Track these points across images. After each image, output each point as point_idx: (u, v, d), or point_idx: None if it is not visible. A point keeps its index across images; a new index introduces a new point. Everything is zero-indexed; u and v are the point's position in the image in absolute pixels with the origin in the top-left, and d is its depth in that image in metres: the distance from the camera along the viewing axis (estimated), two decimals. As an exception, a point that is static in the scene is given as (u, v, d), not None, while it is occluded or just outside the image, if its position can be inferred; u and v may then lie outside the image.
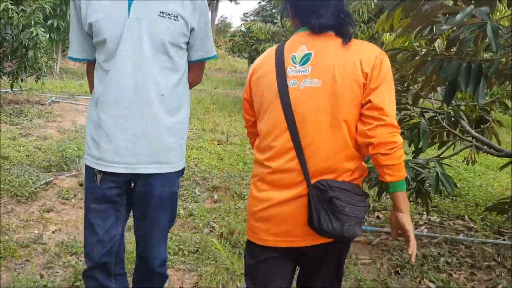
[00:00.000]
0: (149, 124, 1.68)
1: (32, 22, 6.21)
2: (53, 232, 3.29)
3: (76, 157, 4.78)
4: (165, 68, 1.69)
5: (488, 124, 3.63)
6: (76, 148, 5.23)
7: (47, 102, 8.54)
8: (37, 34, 6.22)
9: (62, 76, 12.83)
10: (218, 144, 6.23)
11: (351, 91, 1.37)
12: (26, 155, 4.92)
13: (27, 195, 3.76)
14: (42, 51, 6.93)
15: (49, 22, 6.58)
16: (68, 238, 3.20)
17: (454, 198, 4.73)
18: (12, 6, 5.99)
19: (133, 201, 1.83)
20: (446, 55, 2.25)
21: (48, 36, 6.44)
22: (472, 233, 3.87)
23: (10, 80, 7.76)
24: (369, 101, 1.36)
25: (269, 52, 1.54)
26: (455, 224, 4.12)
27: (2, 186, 3.93)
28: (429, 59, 2.29)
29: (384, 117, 1.33)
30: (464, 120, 3.38)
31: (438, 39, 3.14)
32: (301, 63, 1.42)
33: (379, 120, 1.33)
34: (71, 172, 4.47)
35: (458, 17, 1.96)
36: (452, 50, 2.31)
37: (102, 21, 1.64)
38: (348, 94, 1.37)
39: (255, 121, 1.62)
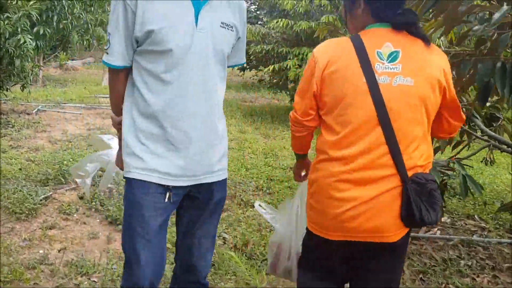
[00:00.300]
0: (212, 134, 1.69)
1: (19, 29, 5.97)
2: (59, 251, 3.12)
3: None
4: (222, 78, 1.72)
5: (499, 122, 3.59)
6: (71, 160, 5.03)
7: (34, 111, 8.26)
8: (24, 42, 5.98)
9: (45, 84, 12.51)
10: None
11: (435, 93, 1.49)
12: (20, 169, 4.71)
13: (26, 212, 3.57)
14: (28, 59, 6.69)
15: (36, 29, 6.31)
16: (76, 257, 3.03)
17: (460, 197, 4.69)
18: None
19: (185, 211, 1.78)
20: (478, 56, 2.17)
21: (34, 43, 6.17)
22: (486, 233, 3.83)
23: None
24: (450, 104, 1.55)
25: (343, 45, 1.52)
26: (466, 224, 4.08)
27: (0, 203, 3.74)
28: (460, 59, 2.22)
29: (462, 118, 1.62)
30: (478, 118, 3.33)
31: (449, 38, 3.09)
32: (389, 60, 1.46)
33: (460, 121, 1.63)
34: (70, 185, 4.28)
35: (496, 16, 1.90)
36: (481, 49, 2.25)
37: (168, 29, 1.53)
38: (433, 95, 1.48)
39: (315, 115, 1.61)
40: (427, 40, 1.51)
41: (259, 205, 2.29)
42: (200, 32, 1.57)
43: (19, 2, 6.08)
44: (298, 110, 1.62)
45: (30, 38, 6.10)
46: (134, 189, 1.64)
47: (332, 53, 1.53)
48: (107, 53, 1.59)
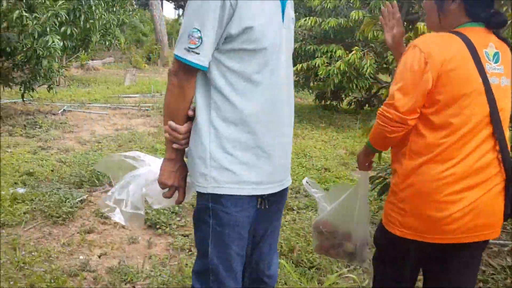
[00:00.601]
0: (290, 136, 1.64)
1: (48, 29, 5.92)
2: (99, 257, 3.02)
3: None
4: None
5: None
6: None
7: (60, 112, 8.24)
8: (52, 42, 5.93)
9: (69, 84, 12.54)
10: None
11: None
12: (51, 170, 4.64)
13: (63, 215, 3.48)
14: (56, 59, 6.65)
15: (63, 29, 6.26)
16: (118, 263, 2.92)
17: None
18: (26, 14, 5.71)
19: (257, 220, 1.64)
20: None
21: (61, 43, 6.12)
22: (542, 238, 3.61)
23: (21, 90, 7.49)
24: None
25: (452, 42, 1.47)
26: (516, 227, 3.86)
27: (34, 206, 3.66)
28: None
29: None
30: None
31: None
32: (494, 61, 1.47)
33: None
34: (104, 187, 4.19)
35: None
36: None
37: (265, 26, 1.41)
38: None
39: (419, 114, 1.53)
40: (509, 43, 1.56)
41: (307, 182, 2.21)
42: (285, 29, 1.51)
43: (47, 2, 6.03)
44: (402, 107, 1.47)
45: (58, 39, 6.05)
46: (227, 207, 1.49)
47: (446, 50, 1.45)
48: (197, 53, 1.37)
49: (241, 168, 1.48)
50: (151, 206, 1.85)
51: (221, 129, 1.47)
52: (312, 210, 3.93)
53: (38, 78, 7.02)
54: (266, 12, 1.42)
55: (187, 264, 2.89)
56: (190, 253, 3.10)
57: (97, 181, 4.25)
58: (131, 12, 13.09)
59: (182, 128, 1.53)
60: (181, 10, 36.56)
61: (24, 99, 7.80)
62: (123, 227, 3.46)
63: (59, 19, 6.06)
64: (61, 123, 7.17)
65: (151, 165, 1.77)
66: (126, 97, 10.88)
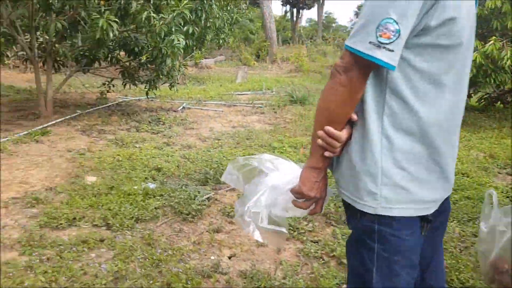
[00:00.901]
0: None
1: (173, 29, 6.13)
2: (229, 258, 2.93)
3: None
4: None
5: None
6: (224, 158, 4.97)
7: (179, 109, 8.59)
8: (178, 41, 6.12)
9: (185, 82, 13.12)
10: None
11: None
12: (177, 166, 4.74)
13: (193, 213, 3.48)
14: (178, 58, 6.88)
15: (185, 28, 6.44)
16: (249, 267, 2.81)
17: None
18: (153, 14, 5.95)
19: (428, 236, 1.42)
20: None
21: (184, 43, 6.29)
22: None
23: (145, 88, 7.92)
24: None
25: None
26: None
27: (164, 202, 3.72)
28: None
29: None
30: None
31: None
32: None
33: None
34: (228, 185, 4.15)
35: None
36: None
37: (463, 20, 1.18)
38: None
39: None
40: None
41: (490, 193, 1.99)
42: (471, 23, 1.28)
43: (172, 2, 6.24)
44: None
45: (182, 38, 6.23)
46: (398, 230, 1.27)
47: None
48: (391, 50, 1.12)
49: (414, 185, 1.26)
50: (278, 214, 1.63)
51: (396, 140, 1.23)
52: (454, 221, 3.48)
53: (162, 76, 7.34)
54: (464, 3, 1.19)
55: (322, 275, 2.67)
56: (322, 261, 2.88)
57: (220, 179, 4.23)
58: (244, 11, 13.29)
59: (343, 135, 1.29)
60: (288, 7, 36.61)
61: (148, 96, 8.26)
62: (250, 228, 3.36)
63: (183, 19, 6.23)
64: (181, 120, 7.43)
65: (280, 169, 1.55)
66: (239, 94, 11.06)
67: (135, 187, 3.95)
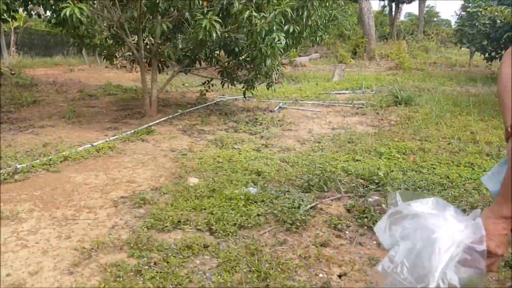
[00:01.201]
0: None
1: (274, 28, 6.00)
2: (339, 277, 2.69)
3: (336, 175, 4.22)
4: None
5: None
6: (327, 164, 4.71)
7: (276, 109, 8.48)
8: (278, 40, 5.98)
9: (280, 81, 13.02)
10: (489, 158, 4.96)
11: None
12: (277, 170, 4.59)
13: (297, 223, 3.28)
14: (278, 57, 6.75)
15: (286, 27, 6.26)
16: (362, 289, 2.54)
17: None
18: (255, 13, 5.86)
19: None
20: None
21: (284, 41, 6.12)
22: None
23: (243, 87, 7.91)
24: None
25: None
26: None
27: (266, 209, 3.57)
28: None
29: None
30: None
31: None
32: None
33: None
34: (332, 193, 3.90)
35: None
36: None
37: None
38: None
39: None
40: None
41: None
42: None
43: (274, 1, 6.10)
44: None
45: (283, 36, 6.07)
46: None
47: None
48: None
49: None
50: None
51: None
52: None
53: (260, 76, 7.27)
54: None
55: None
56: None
57: (325, 187, 3.99)
58: (343, 7, 12.83)
59: None
60: (386, 1, 35.06)
61: (245, 96, 8.25)
62: (360, 243, 3.09)
63: (284, 17, 6.07)
64: (279, 121, 7.30)
65: (448, 220, 1.22)
66: (336, 93, 10.69)
67: (236, 191, 3.86)
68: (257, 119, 7.41)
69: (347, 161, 4.88)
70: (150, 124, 6.82)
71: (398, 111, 7.89)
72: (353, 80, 12.78)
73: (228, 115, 7.79)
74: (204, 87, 8.12)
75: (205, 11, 6.16)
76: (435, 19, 45.96)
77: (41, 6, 6.68)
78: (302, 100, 9.55)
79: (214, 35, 5.42)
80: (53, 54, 21.75)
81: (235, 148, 5.55)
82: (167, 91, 10.32)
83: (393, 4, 34.22)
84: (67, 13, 5.10)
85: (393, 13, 34.63)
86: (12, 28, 20.62)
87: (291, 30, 6.47)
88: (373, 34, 21.40)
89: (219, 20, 5.47)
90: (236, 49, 6.79)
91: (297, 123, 7.21)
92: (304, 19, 6.63)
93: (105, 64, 15.97)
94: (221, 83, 8.20)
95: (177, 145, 5.65)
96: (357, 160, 4.92)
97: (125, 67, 15.11)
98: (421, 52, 23.31)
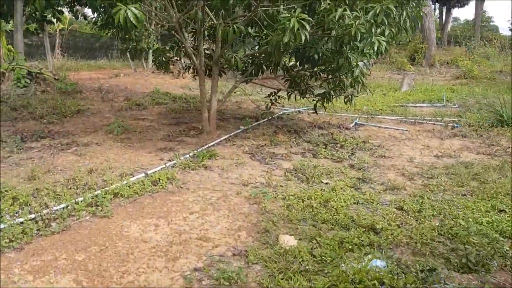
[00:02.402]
0: None
1: (373, 30, 4.76)
2: None
3: (496, 243, 2.92)
4: None
5: None
6: (459, 213, 3.43)
7: (351, 126, 7.23)
8: (379, 44, 4.75)
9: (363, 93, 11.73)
10: None
11: None
12: (398, 226, 3.34)
13: None
14: (368, 67, 5.52)
15: (379, 30, 5.00)
16: None
17: None
18: (348, 12, 4.65)
19: None
20: None
21: (384, 48, 4.87)
22: None
23: (313, 100, 6.71)
24: None
25: None
26: None
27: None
28: None
29: None
30: None
31: None
32: None
33: None
34: (501, 275, 2.62)
35: None
36: None
37: None
38: None
39: None
40: None
41: None
42: None
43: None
44: None
45: (383, 40, 4.83)
46: None
47: None
48: None
49: None
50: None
51: None
52: None
53: (342, 87, 6.05)
54: None
55: None
56: None
57: (491, 266, 2.71)
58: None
59: None
60: (437, 5, 32.98)
61: (316, 111, 7.03)
62: None
63: (387, 17, 4.83)
64: (363, 142, 6.04)
65: None
66: (412, 106, 9.33)
67: (358, 266, 2.65)
68: (335, 139, 6.19)
69: (488, 211, 3.58)
70: (211, 144, 5.72)
71: (507, 134, 6.47)
72: (425, 91, 11.36)
73: (298, 133, 6.61)
74: (270, 99, 6.96)
75: (281, 9, 5.03)
76: (487, 24, 42.88)
77: (87, 7, 5.64)
78: (377, 115, 8.25)
79: (303, 37, 4.25)
80: (97, 57, 21.30)
81: (323, 183, 4.35)
82: (219, 99, 9.25)
83: (444, 8, 32.18)
84: (120, 17, 4.08)
85: (444, 17, 32.57)
86: (58, 30, 20.32)
87: (386, 32, 5.20)
88: (433, 40, 19.73)
89: (310, 19, 4.29)
90: (316, 56, 5.59)
91: (387, 146, 5.93)
92: (402, 20, 5.35)
93: (151, 68, 15.17)
94: (287, 94, 7.01)
95: (249, 177, 4.51)
96: (502, 210, 3.61)
97: (172, 72, 14.22)
98: (483, 59, 21.37)
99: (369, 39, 4.81)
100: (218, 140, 5.95)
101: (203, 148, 5.51)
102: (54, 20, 12.27)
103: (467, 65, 16.21)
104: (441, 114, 8.15)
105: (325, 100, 6.38)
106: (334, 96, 6.40)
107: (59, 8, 11.11)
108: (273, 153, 5.46)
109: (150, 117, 7.68)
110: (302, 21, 4.18)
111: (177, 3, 5.80)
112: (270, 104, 6.99)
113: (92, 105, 8.84)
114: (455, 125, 7.12)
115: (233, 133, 6.37)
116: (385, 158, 5.32)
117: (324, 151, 5.50)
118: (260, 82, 7.97)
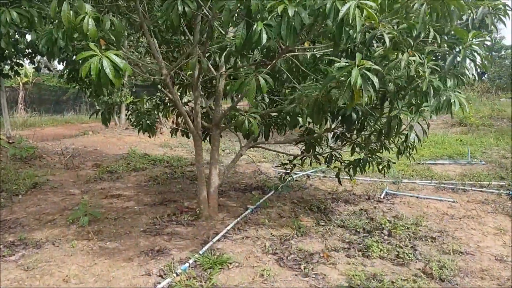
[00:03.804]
0: None
1: (449, 83, 3.41)
2: None
3: None
4: None
5: None
6: None
7: (382, 196, 5.80)
8: (459, 103, 3.39)
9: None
10: None
11: None
12: None
13: None
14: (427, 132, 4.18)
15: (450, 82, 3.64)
16: None
17: None
18: (416, 57, 3.30)
19: None
20: None
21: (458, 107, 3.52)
22: None
23: (347, 169, 5.26)
24: None
25: None
26: None
27: None
28: None
29: None
30: None
31: None
32: None
33: None
34: None
35: None
36: None
37: None
38: None
39: None
40: None
41: None
42: None
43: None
44: None
45: (463, 97, 3.48)
46: None
47: None
48: None
49: None
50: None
51: None
52: None
53: (379, 153, 4.65)
54: None
55: None
56: None
57: None
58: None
59: None
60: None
61: (340, 181, 5.57)
62: None
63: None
64: (414, 225, 4.56)
65: None
66: (432, 163, 8.03)
67: None
68: (374, 220, 4.72)
69: None
70: (215, 239, 4.13)
71: None
72: (436, 144, 10.17)
73: (324, 211, 5.11)
74: (285, 168, 5.46)
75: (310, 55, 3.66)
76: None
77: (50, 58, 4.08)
78: (403, 177, 6.87)
79: (365, 98, 2.82)
80: (64, 110, 19.60)
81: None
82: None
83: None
84: (91, 69, 2.58)
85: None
86: (21, 83, 18.63)
87: (449, 83, 3.84)
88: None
89: (378, 68, 2.89)
90: (354, 116, 4.20)
91: (450, 231, 4.47)
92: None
93: (124, 124, 13.57)
94: (300, 159, 5.53)
95: (289, 307, 2.93)
96: None
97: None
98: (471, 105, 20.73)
99: (441, 96, 3.44)
100: (225, 230, 4.36)
101: (206, 247, 3.92)
102: (12, 74, 10.64)
103: (460, 112, 15.31)
104: (474, 175, 6.87)
105: (357, 168, 4.93)
106: (369, 165, 4.96)
107: (16, 61, 9.53)
108: (306, 251, 3.91)
109: (127, 192, 6.03)
110: (367, 73, 2.77)
111: (168, 50, 4.38)
112: (284, 174, 5.48)
113: (53, 175, 7.15)
114: (510, 192, 5.78)
115: (241, 216, 4.80)
116: (462, 255, 3.84)
117: (376, 245, 3.98)
118: (270, 148, 6.52)
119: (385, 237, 4.29)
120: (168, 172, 7.46)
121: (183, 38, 4.82)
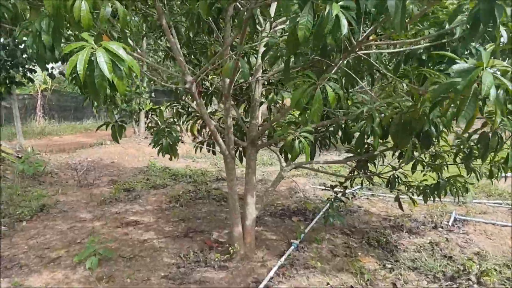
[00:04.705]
0: None
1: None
2: None
3: None
4: None
5: None
6: None
7: (450, 223, 4.79)
8: None
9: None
10: None
11: None
12: None
13: None
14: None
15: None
16: None
17: None
18: None
19: None
20: None
21: None
22: None
23: (400, 191, 4.28)
24: None
25: None
26: None
27: None
28: None
29: None
30: None
31: None
32: None
33: None
34: None
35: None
36: None
37: None
38: None
39: None
40: None
41: None
42: None
43: None
44: None
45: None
46: None
47: None
48: None
49: None
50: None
51: None
52: None
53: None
54: None
55: None
56: None
57: None
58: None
59: None
60: None
61: (388, 200, 4.59)
62: None
63: None
64: (507, 268, 3.56)
65: None
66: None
67: None
68: (456, 262, 3.73)
69: None
70: (257, 291, 3.21)
71: None
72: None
73: (384, 245, 4.14)
74: (335, 191, 4.48)
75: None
76: None
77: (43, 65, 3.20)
78: (480, 202, 5.83)
79: (499, 115, 1.85)
80: (83, 117, 19.02)
81: None
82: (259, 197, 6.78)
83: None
84: (79, 61, 1.69)
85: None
86: (39, 90, 18.10)
87: None
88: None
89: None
90: (434, 131, 3.23)
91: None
92: None
93: (143, 133, 12.78)
94: (349, 180, 4.56)
95: None
96: None
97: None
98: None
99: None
100: (268, 277, 3.43)
101: (246, 305, 3.00)
102: (25, 82, 9.94)
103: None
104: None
105: (429, 197, 3.94)
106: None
107: (29, 67, 8.80)
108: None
109: (145, 218, 5.16)
110: (502, 79, 1.80)
111: (190, 52, 3.49)
112: (334, 199, 4.51)
113: (64, 194, 6.35)
114: None
115: (285, 256, 3.86)
116: None
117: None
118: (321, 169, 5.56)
119: (475, 286, 3.30)
120: (192, 190, 6.58)
121: (207, 38, 3.93)
